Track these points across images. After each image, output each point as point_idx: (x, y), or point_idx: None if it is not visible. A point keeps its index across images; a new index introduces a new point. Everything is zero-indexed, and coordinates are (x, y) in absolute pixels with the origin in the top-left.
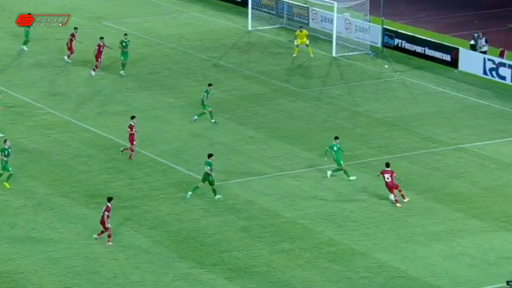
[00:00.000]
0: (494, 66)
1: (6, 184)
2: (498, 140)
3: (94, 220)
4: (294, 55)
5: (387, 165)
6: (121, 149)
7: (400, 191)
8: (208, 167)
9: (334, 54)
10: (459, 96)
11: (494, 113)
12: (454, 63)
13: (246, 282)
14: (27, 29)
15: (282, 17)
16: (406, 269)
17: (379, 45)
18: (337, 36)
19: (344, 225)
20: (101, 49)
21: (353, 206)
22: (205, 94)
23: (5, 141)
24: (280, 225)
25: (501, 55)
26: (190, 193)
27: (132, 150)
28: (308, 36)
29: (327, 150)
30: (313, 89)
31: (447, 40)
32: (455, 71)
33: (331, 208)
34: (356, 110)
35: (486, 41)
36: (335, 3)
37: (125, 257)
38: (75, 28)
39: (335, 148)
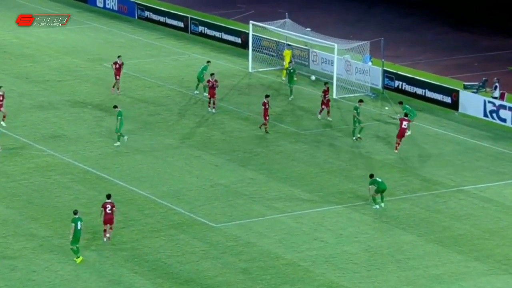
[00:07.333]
0: (494, 108)
1: None
2: (499, 182)
3: (94, 262)
4: (283, 78)
5: (406, 114)
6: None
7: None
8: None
9: (334, 96)
10: (459, 138)
11: (494, 155)
12: (454, 105)
13: None
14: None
15: (283, 59)
16: None
17: (380, 87)
18: (337, 78)
19: (345, 267)
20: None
21: (354, 248)
22: (355, 111)
23: None
24: (280, 267)
25: (501, 97)
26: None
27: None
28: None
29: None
30: (313, 131)
31: (447, 82)
32: (456, 113)
33: (332, 250)
34: (357, 152)
35: (496, 87)
36: (336, 45)
37: None
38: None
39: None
